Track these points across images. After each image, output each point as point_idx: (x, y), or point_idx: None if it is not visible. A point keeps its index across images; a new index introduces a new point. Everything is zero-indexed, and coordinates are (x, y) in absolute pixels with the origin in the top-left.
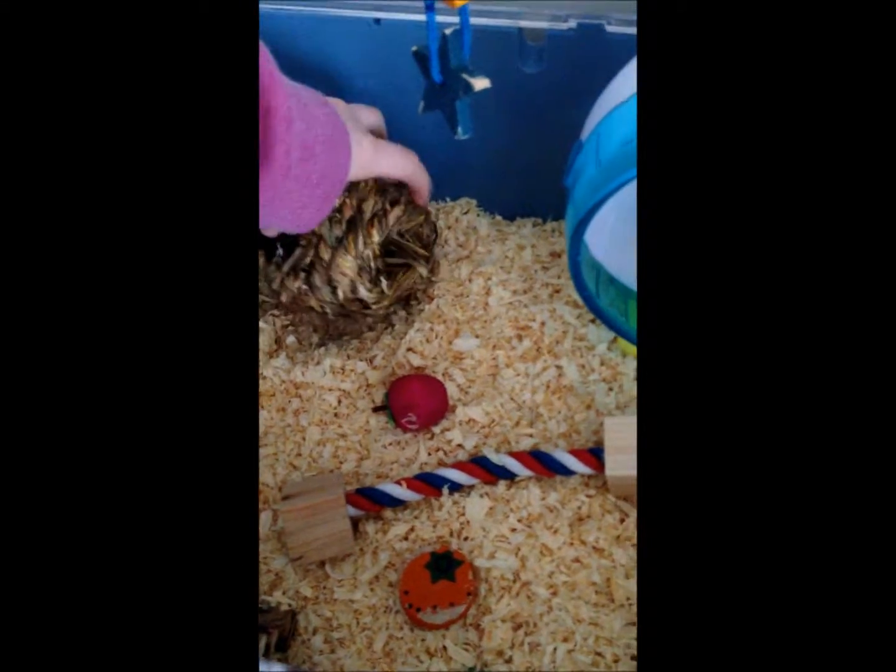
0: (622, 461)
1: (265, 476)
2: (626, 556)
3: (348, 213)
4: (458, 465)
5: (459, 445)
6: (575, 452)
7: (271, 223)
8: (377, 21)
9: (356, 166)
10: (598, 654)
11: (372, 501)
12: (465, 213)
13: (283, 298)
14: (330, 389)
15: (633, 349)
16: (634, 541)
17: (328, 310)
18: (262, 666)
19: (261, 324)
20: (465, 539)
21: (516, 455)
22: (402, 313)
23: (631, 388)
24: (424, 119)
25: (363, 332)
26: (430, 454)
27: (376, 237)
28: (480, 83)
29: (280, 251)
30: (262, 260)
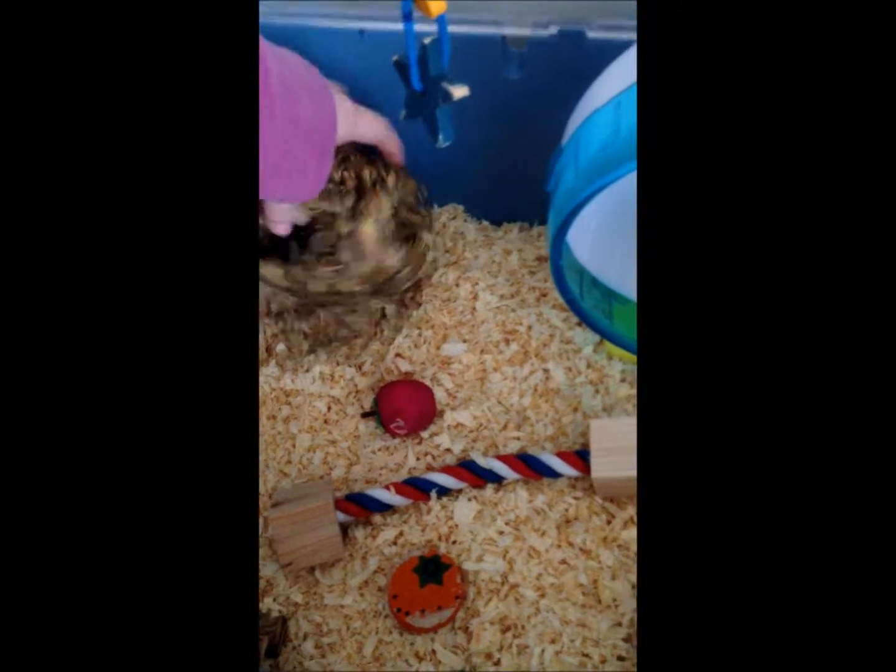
0: (608, 463)
1: None
2: (613, 557)
3: (351, 183)
4: (446, 470)
5: (448, 450)
6: (562, 455)
7: (275, 188)
8: (361, 32)
9: (342, 125)
10: (586, 655)
11: (361, 507)
12: (452, 218)
13: (313, 287)
14: (319, 396)
15: (619, 351)
16: (621, 542)
17: (359, 288)
18: None
19: None
20: (454, 543)
21: (504, 458)
22: (393, 320)
23: (617, 391)
24: (410, 127)
25: (353, 339)
26: (418, 459)
27: (385, 200)
28: (459, 91)
29: (295, 249)
30: (280, 264)
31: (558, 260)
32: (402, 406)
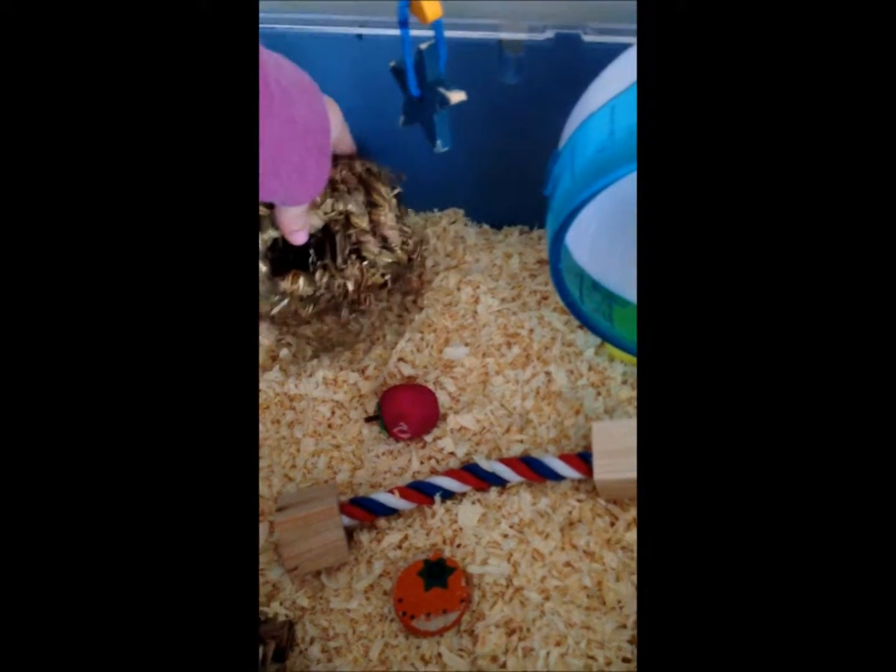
0: (611, 465)
1: (261, 488)
2: (617, 559)
3: (354, 181)
4: (450, 473)
5: (451, 453)
6: (564, 457)
7: (275, 189)
8: (359, 37)
9: (335, 123)
10: (591, 657)
11: (366, 511)
12: (453, 223)
13: (351, 287)
14: (323, 401)
15: (620, 354)
16: (624, 544)
17: (386, 279)
18: None
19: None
20: (458, 546)
21: (507, 461)
22: (395, 325)
23: (618, 393)
24: (410, 132)
25: (356, 343)
26: (422, 462)
27: (384, 188)
28: (456, 96)
29: (313, 256)
30: (303, 274)
31: (557, 263)
32: (405, 410)
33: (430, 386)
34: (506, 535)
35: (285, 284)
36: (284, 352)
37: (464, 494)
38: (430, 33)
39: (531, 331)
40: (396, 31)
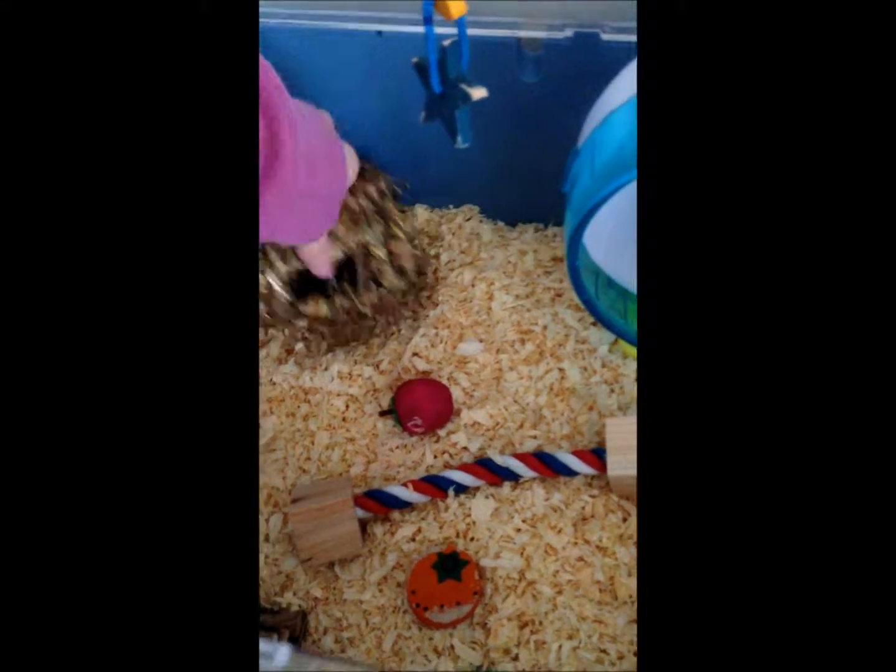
0: (624, 461)
1: (275, 480)
2: (629, 554)
3: (371, 209)
4: (464, 467)
5: (464, 448)
6: (578, 453)
7: (278, 237)
8: (379, 33)
9: (351, 173)
10: (603, 651)
11: (379, 503)
12: (468, 219)
13: (369, 312)
14: (338, 394)
15: (633, 351)
16: (637, 539)
17: (400, 300)
18: (269, 647)
19: (272, 331)
20: (471, 539)
21: (520, 456)
22: (409, 320)
23: (632, 390)
24: (427, 129)
25: (370, 339)
26: (435, 457)
27: (401, 216)
28: (478, 93)
29: (333, 281)
30: (322, 299)
31: (575, 261)
32: (419, 404)
33: (444, 381)
34: (519, 530)
35: (306, 309)
36: (300, 345)
37: (477, 489)
38: (450, 30)
39: (545, 327)
40: (416, 29)
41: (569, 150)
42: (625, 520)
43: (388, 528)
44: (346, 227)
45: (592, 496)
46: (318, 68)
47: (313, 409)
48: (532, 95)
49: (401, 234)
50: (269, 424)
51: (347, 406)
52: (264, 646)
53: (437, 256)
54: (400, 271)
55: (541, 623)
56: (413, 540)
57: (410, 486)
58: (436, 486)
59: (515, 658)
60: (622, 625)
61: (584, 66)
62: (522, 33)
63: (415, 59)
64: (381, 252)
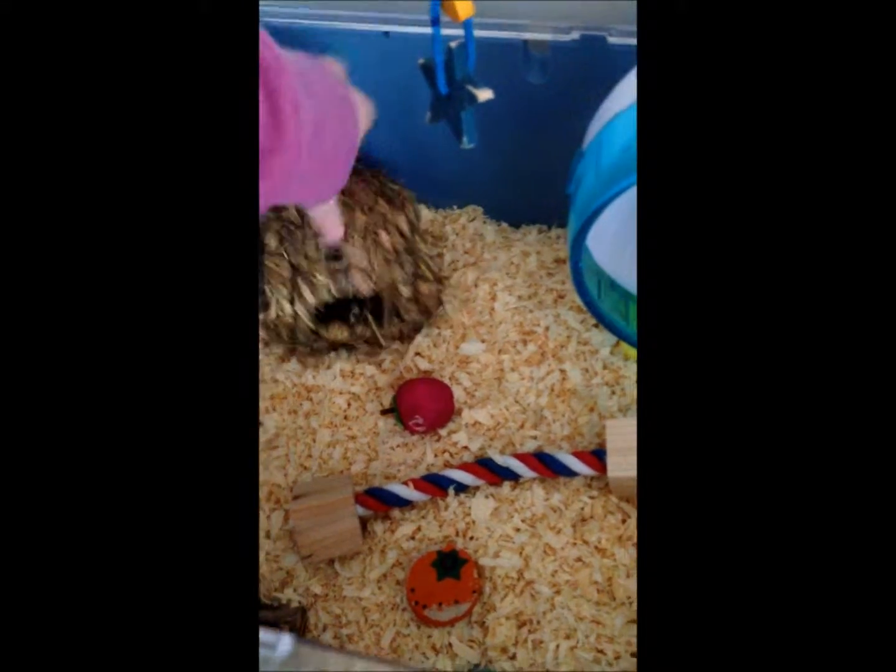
0: (624, 463)
1: (277, 476)
2: (628, 555)
3: (402, 245)
4: (464, 467)
5: (465, 447)
6: (578, 454)
7: (284, 200)
8: (386, 34)
9: (364, 124)
10: (600, 651)
11: (380, 501)
12: (472, 220)
13: (384, 343)
14: (340, 393)
15: (635, 353)
16: (636, 541)
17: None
18: (272, 637)
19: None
20: (471, 538)
21: (520, 457)
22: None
23: (633, 392)
24: (433, 129)
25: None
26: (436, 456)
27: (426, 250)
28: (484, 94)
29: (356, 308)
30: (344, 327)
31: (578, 262)
32: (420, 404)
33: (446, 381)
34: (518, 529)
35: (328, 334)
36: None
37: (477, 488)
38: (457, 31)
39: (547, 329)
40: (423, 29)
41: (574, 152)
42: (624, 521)
43: (388, 525)
44: (380, 266)
45: (592, 497)
46: None
47: (315, 407)
48: (538, 97)
49: (429, 275)
50: (271, 422)
51: (349, 404)
52: (267, 636)
53: (440, 256)
54: (423, 310)
55: (538, 622)
56: (413, 538)
57: (411, 484)
58: (436, 484)
59: (513, 657)
60: (620, 625)
61: (591, 69)
62: (529, 35)
63: (421, 60)
64: (407, 291)
